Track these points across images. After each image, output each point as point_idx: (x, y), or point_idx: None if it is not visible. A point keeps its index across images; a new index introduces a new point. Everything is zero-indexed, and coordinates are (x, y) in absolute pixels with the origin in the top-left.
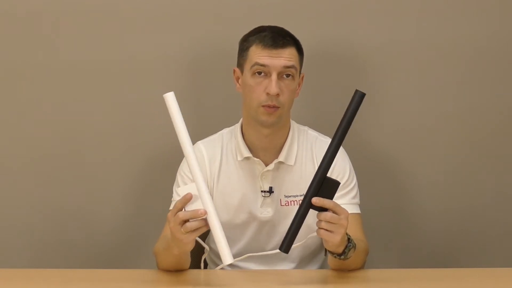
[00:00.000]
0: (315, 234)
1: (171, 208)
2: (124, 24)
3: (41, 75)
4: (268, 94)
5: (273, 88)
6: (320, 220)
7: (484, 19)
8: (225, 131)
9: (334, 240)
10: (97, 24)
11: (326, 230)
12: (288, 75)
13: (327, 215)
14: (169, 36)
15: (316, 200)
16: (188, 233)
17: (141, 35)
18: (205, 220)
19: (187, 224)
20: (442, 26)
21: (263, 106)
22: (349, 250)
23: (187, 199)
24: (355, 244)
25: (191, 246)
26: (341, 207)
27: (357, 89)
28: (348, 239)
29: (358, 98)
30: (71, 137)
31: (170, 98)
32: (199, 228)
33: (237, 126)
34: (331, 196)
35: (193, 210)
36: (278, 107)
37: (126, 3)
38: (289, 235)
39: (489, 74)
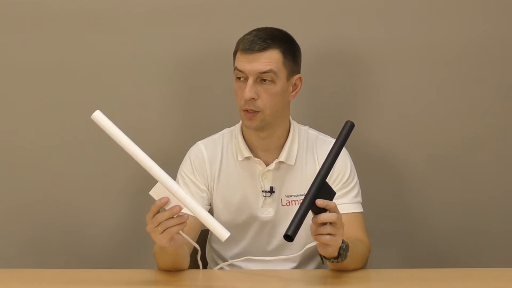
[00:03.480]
0: (314, 243)
1: None
2: (124, 24)
3: (40, 75)
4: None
5: (246, 93)
6: (323, 225)
7: (484, 19)
8: (226, 131)
9: (337, 243)
10: (97, 24)
11: (330, 234)
12: (265, 80)
13: (332, 215)
14: (169, 36)
15: (320, 202)
16: (163, 234)
17: (141, 35)
18: (180, 217)
19: (162, 223)
20: (441, 25)
21: (243, 110)
22: (344, 251)
23: (162, 203)
24: (347, 243)
25: (174, 245)
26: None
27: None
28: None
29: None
30: (70, 137)
31: (99, 117)
32: (173, 226)
33: (237, 127)
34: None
35: (169, 209)
36: (257, 112)
37: (126, 3)
38: (297, 225)
39: (489, 73)
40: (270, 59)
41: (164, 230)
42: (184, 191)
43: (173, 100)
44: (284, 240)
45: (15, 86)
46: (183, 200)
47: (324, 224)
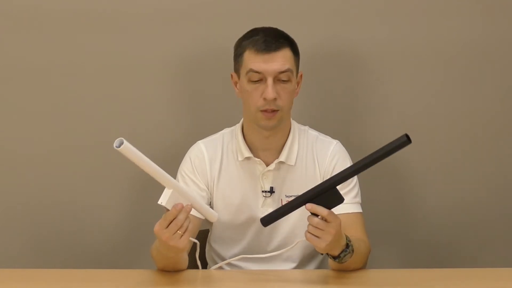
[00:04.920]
0: (303, 239)
1: None
2: (124, 24)
3: (40, 75)
4: (265, 99)
5: (270, 93)
6: (308, 224)
7: (484, 19)
8: (226, 131)
9: (320, 246)
10: (97, 24)
11: (312, 234)
12: (284, 79)
13: (314, 220)
14: (169, 36)
15: (309, 207)
16: (183, 236)
17: (141, 36)
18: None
19: (182, 226)
20: (441, 25)
21: (261, 111)
22: (345, 255)
23: (178, 210)
24: (353, 250)
25: (188, 246)
26: (335, 215)
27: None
28: (347, 244)
29: (402, 141)
30: (70, 137)
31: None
32: (189, 225)
33: (238, 127)
34: (328, 207)
35: (184, 210)
36: (277, 111)
37: (126, 3)
38: (275, 216)
39: (489, 73)
40: (286, 57)
41: (184, 232)
42: (186, 189)
43: (173, 100)
44: (284, 241)
45: (15, 86)
46: (187, 194)
47: None
